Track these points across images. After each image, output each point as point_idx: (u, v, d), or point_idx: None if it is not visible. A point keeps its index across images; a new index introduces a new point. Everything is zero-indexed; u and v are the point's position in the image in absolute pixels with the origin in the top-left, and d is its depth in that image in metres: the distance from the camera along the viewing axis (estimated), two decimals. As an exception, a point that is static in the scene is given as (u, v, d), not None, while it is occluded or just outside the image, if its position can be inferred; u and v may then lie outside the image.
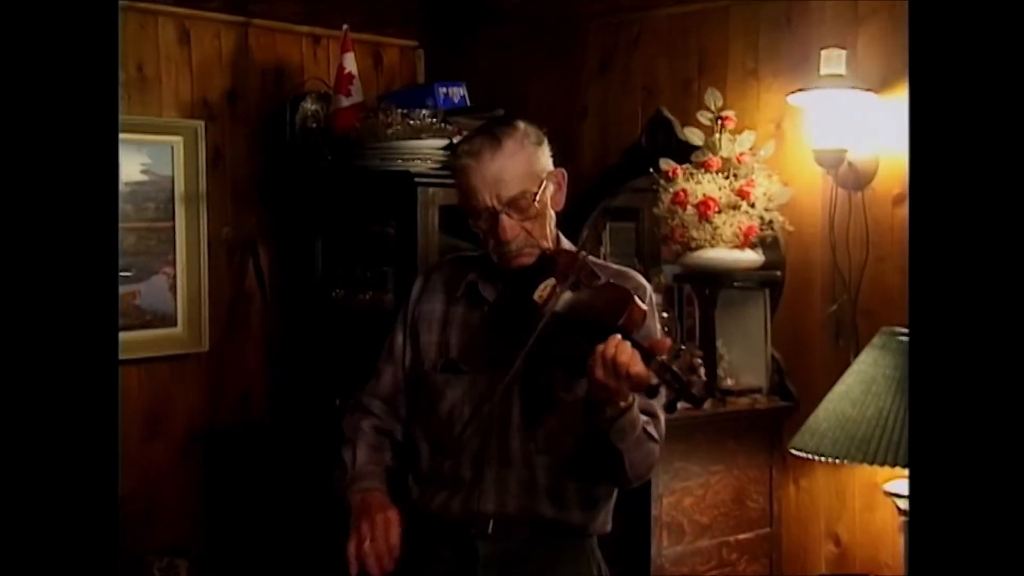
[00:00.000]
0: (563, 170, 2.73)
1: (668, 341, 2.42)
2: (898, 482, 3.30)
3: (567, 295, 2.50)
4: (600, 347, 2.32)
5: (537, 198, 2.62)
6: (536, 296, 2.52)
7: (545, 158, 2.69)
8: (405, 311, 2.83)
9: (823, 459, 3.26)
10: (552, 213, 2.69)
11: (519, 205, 2.60)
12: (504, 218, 2.59)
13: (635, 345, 2.33)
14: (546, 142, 2.71)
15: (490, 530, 2.61)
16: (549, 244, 2.66)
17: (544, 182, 2.64)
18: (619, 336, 2.34)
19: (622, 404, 2.40)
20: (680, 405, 2.49)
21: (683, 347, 2.44)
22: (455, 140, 3.89)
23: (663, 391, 2.40)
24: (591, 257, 2.70)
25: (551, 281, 2.53)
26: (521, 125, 2.68)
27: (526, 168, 2.62)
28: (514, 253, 2.62)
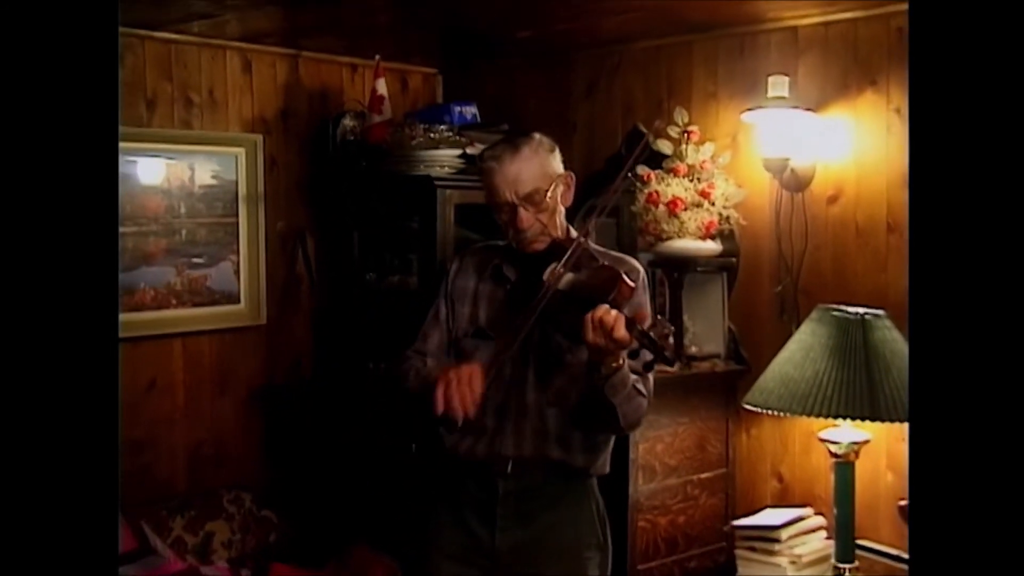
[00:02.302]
0: (571, 173, 2.76)
1: (647, 313, 2.46)
2: (830, 430, 3.31)
3: (568, 275, 2.51)
4: (590, 313, 2.34)
5: (548, 195, 2.63)
6: (545, 277, 2.53)
7: (556, 163, 2.70)
8: (445, 286, 2.83)
9: (769, 412, 3.30)
10: (562, 209, 2.71)
11: (533, 200, 2.61)
12: (521, 211, 2.61)
13: (620, 314, 2.34)
14: (557, 150, 2.72)
15: (509, 470, 2.64)
16: (559, 234, 2.67)
17: (555, 182, 2.66)
18: (607, 305, 2.36)
19: (614, 364, 2.41)
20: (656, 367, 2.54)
21: (660, 317, 2.48)
22: (467, 150, 3.91)
23: (643, 353, 2.41)
24: (594, 245, 2.70)
25: (557, 264, 2.54)
26: (537, 136, 2.70)
27: (540, 170, 2.64)
28: (529, 240, 2.64)
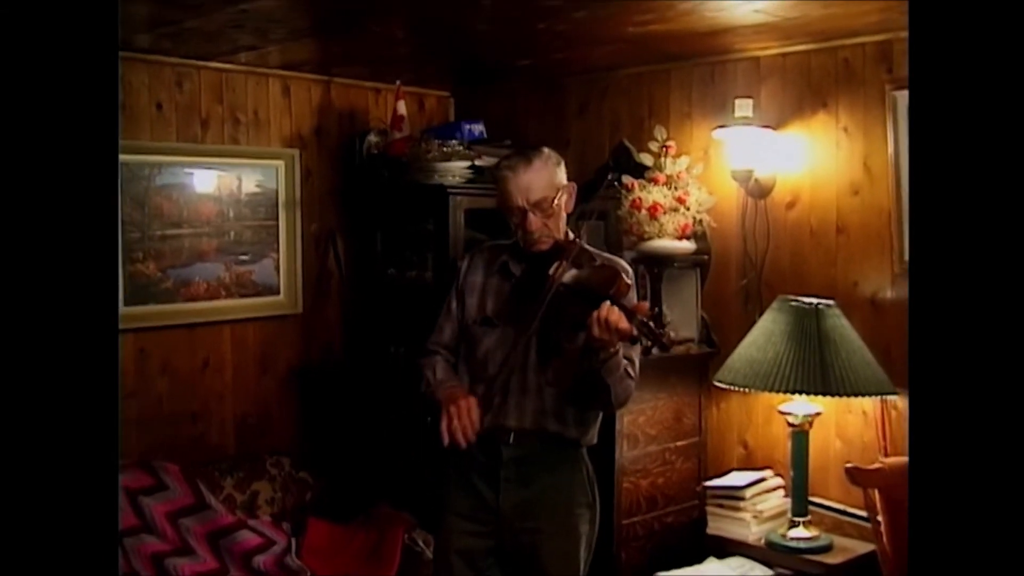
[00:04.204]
0: (574, 184, 2.72)
1: (646, 304, 2.44)
2: (788, 404, 3.33)
3: (572, 271, 2.50)
4: (596, 311, 2.33)
5: (554, 202, 2.61)
6: (550, 272, 2.51)
7: (562, 174, 2.67)
8: (456, 282, 2.80)
9: (736, 388, 3.33)
10: (564, 214, 2.67)
11: (541, 206, 2.59)
12: (530, 215, 2.59)
13: (622, 308, 2.34)
14: (563, 163, 2.69)
15: (511, 439, 2.64)
16: (561, 236, 2.65)
17: (560, 191, 2.63)
18: (610, 302, 2.35)
19: (612, 350, 2.41)
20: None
21: (656, 309, 2.48)
22: (476, 162, 3.90)
23: (641, 340, 2.42)
24: (589, 247, 2.69)
25: (561, 262, 2.52)
26: (546, 150, 2.67)
27: (548, 180, 2.61)
28: (535, 241, 2.62)
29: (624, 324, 2.32)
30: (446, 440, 2.52)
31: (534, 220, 2.60)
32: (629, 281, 2.47)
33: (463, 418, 2.53)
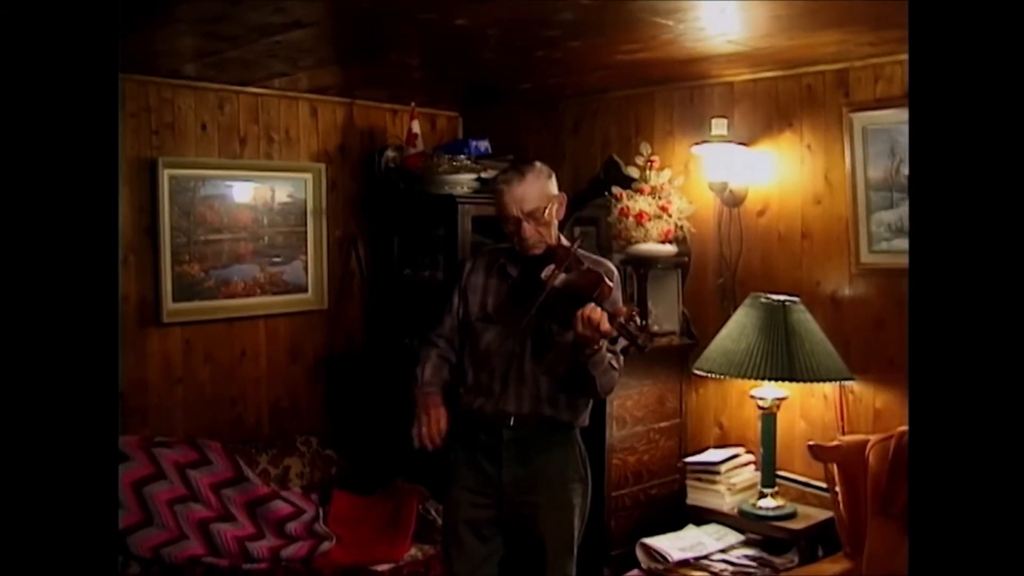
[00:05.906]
0: (564, 194, 2.72)
1: (625, 309, 2.43)
2: (758, 389, 3.35)
3: (562, 276, 2.50)
4: (580, 311, 2.37)
5: (546, 212, 2.61)
6: (543, 276, 2.53)
7: (553, 186, 2.67)
8: (460, 282, 2.79)
9: (713, 376, 3.37)
10: (556, 222, 2.67)
11: (534, 215, 2.59)
12: (525, 224, 2.58)
13: (604, 310, 2.37)
14: (554, 176, 2.69)
15: (511, 423, 2.64)
16: (553, 241, 2.65)
17: (552, 201, 2.63)
18: (593, 304, 2.38)
19: (595, 347, 2.43)
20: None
21: (636, 311, 2.53)
22: (482, 175, 3.91)
23: (620, 340, 2.45)
24: (580, 250, 2.67)
25: (552, 267, 2.54)
26: (538, 164, 2.67)
27: (540, 192, 2.60)
28: (530, 246, 2.62)
29: (605, 325, 2.35)
30: (416, 444, 2.62)
31: (528, 228, 2.60)
32: (611, 284, 2.48)
33: (431, 428, 2.63)
